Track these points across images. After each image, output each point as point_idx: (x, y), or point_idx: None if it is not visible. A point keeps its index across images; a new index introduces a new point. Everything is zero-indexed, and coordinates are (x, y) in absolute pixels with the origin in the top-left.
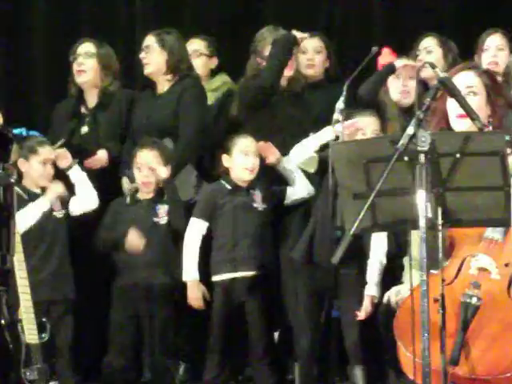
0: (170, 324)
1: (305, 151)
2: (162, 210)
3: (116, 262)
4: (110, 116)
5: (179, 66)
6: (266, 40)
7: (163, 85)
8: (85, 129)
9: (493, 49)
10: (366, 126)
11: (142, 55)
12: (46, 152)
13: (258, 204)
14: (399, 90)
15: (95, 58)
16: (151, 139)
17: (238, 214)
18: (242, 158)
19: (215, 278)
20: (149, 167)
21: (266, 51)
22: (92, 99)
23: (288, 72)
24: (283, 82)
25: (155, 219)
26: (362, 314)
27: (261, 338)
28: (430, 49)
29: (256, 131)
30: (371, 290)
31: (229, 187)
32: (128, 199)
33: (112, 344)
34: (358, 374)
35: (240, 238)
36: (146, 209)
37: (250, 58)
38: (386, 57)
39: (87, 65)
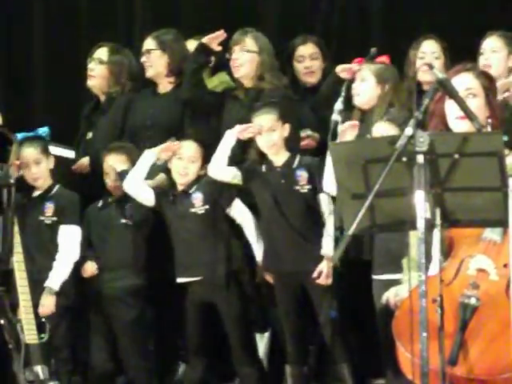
0: (140, 325)
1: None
2: (130, 210)
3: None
4: (106, 121)
5: (181, 67)
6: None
7: (165, 86)
8: (90, 134)
9: (487, 51)
10: (262, 124)
11: (143, 59)
12: (24, 155)
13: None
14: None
15: (105, 65)
16: (117, 143)
17: None
18: None
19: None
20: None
21: None
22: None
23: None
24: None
25: (123, 220)
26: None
27: (238, 341)
28: (437, 55)
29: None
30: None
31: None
32: (100, 203)
33: (92, 347)
34: (345, 371)
35: None
36: (114, 210)
37: None
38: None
39: (96, 71)
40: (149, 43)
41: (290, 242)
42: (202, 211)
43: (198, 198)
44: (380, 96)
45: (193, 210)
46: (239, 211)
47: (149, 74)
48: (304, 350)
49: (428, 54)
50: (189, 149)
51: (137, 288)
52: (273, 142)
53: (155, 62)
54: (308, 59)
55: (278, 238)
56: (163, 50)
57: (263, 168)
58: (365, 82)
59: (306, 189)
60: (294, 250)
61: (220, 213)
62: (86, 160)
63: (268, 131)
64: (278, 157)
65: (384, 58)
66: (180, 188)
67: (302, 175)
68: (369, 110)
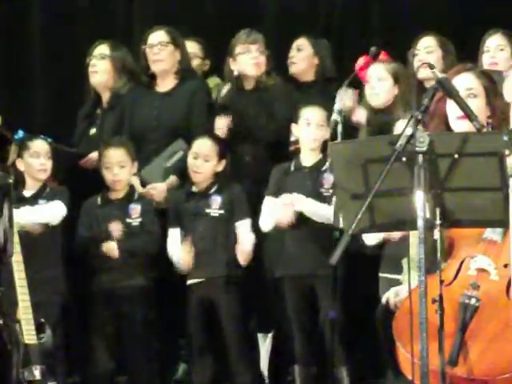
0: (147, 325)
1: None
2: (135, 209)
3: (92, 264)
4: (114, 117)
5: (188, 66)
6: (239, 41)
7: (167, 84)
8: (93, 130)
9: (492, 49)
10: (311, 117)
11: (155, 51)
12: (35, 145)
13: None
14: (369, 92)
15: (108, 59)
16: (117, 137)
17: None
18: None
19: None
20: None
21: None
22: (105, 101)
23: (257, 71)
24: (250, 83)
25: (128, 220)
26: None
27: (235, 342)
28: (431, 49)
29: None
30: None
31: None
32: (99, 199)
33: (95, 346)
34: (342, 374)
35: None
36: (118, 209)
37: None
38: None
39: (99, 66)
40: (162, 36)
41: (303, 244)
42: (216, 215)
43: (216, 200)
44: (398, 95)
45: (208, 210)
46: (244, 231)
47: (158, 67)
48: (313, 351)
49: (421, 50)
50: (204, 146)
51: (146, 289)
52: (320, 137)
53: (168, 56)
54: (294, 49)
55: (291, 241)
56: (176, 46)
57: (292, 167)
58: (383, 81)
59: (330, 193)
60: (304, 253)
61: (232, 218)
62: (95, 155)
63: (318, 126)
64: (311, 156)
65: (383, 55)
66: (197, 187)
67: (329, 179)
68: (384, 110)
